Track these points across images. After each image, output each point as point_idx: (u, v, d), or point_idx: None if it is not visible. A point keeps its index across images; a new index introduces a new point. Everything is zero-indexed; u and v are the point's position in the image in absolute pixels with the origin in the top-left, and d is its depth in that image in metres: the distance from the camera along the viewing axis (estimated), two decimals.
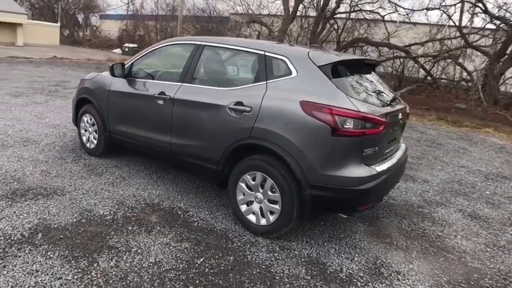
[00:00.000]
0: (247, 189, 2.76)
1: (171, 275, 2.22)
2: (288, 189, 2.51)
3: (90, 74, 4.31)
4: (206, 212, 3.11)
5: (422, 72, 14.22)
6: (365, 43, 14.86)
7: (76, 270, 2.19)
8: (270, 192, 2.63)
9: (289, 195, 2.52)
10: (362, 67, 3.11)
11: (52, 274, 2.13)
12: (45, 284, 2.05)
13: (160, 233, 2.70)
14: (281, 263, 2.44)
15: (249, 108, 2.66)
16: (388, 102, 2.89)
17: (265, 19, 18.11)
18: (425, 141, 6.81)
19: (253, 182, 2.71)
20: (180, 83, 3.16)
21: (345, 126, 2.34)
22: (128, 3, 37.38)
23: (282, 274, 2.32)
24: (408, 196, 3.95)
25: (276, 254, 2.55)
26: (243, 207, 2.81)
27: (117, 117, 3.74)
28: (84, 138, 4.28)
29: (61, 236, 2.54)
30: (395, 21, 15.65)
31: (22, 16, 29.84)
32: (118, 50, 29.93)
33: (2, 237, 2.45)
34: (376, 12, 15.01)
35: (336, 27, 15.81)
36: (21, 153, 4.07)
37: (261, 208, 2.72)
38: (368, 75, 3.06)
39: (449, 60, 13.55)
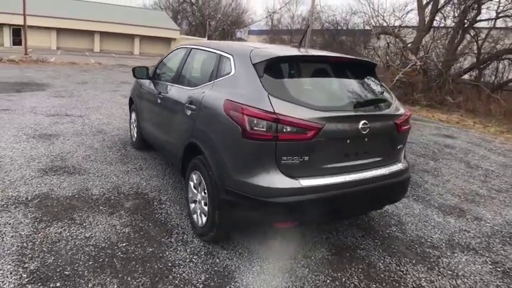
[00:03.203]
0: (193, 188, 2.88)
1: (87, 249, 2.57)
2: (211, 191, 2.52)
3: None
4: (177, 208, 3.35)
5: None
6: None
7: (32, 230, 2.78)
8: (203, 193, 2.69)
9: (211, 198, 2.52)
10: (349, 68, 2.81)
11: (13, 228, 2.78)
12: (3, 233, 2.69)
13: (118, 216, 3.10)
14: (189, 266, 2.46)
15: (194, 107, 2.80)
16: (354, 109, 2.52)
17: (398, 30, 17.03)
18: None
19: (196, 182, 2.81)
20: (171, 83, 3.53)
21: (255, 128, 2.20)
22: (267, 17, 40.86)
23: (177, 275, 2.36)
24: (435, 236, 3.22)
25: (195, 258, 2.57)
26: (192, 206, 2.93)
27: (140, 114, 4.42)
28: (131, 133, 5.16)
29: (48, 204, 3.23)
30: None
31: (176, 32, 36.58)
32: None
33: (15, 198, 3.29)
34: None
35: (477, 38, 13.64)
36: (85, 140, 5.21)
37: (200, 209, 2.79)
38: (349, 78, 2.74)
39: None
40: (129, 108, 5.32)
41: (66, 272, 2.31)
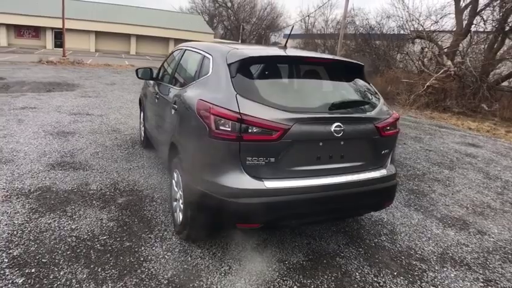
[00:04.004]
0: (175, 187, 2.97)
1: (70, 239, 2.73)
2: (184, 190, 2.59)
3: None
4: (167, 206, 3.45)
5: None
6: None
7: (25, 219, 2.99)
8: (180, 192, 2.76)
9: (184, 196, 2.59)
10: (331, 69, 2.78)
11: (9, 216, 3.00)
12: None
13: (108, 211, 3.25)
14: (160, 262, 2.54)
15: (176, 107, 2.89)
16: (329, 111, 2.48)
17: (434, 35, 16.41)
18: None
19: (176, 180, 2.90)
20: (167, 84, 3.66)
21: (221, 128, 2.24)
22: (300, 21, 40.87)
23: (146, 270, 2.44)
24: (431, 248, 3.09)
25: (168, 254, 2.65)
26: (173, 204, 3.02)
27: (145, 114, 4.62)
28: (140, 132, 5.38)
29: (47, 196, 3.45)
30: None
31: (210, 36, 37.43)
32: None
33: (19, 190, 3.54)
34: None
35: None
36: (98, 138, 5.49)
37: (179, 207, 2.87)
38: (329, 79, 2.71)
39: None
40: (139, 108, 5.56)
41: (43, 260, 2.46)
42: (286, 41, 3.17)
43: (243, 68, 2.44)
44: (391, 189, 2.84)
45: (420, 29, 15.71)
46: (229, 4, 52.40)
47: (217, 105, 2.29)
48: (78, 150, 4.88)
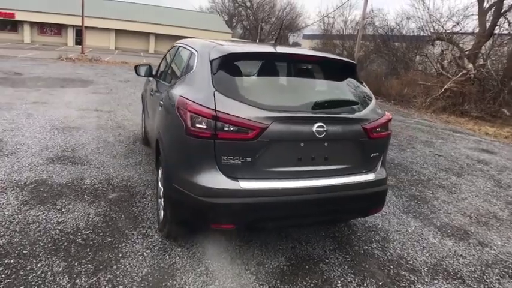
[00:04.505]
0: (160, 184, 2.96)
1: (53, 232, 2.75)
2: (164, 188, 2.57)
3: None
4: (156, 203, 3.46)
5: None
6: None
7: (16, 211, 3.04)
8: (163, 189, 2.75)
9: (164, 194, 2.57)
10: (319, 67, 2.70)
11: (1, 208, 3.06)
12: None
13: (96, 206, 3.27)
14: (137, 259, 2.53)
15: (162, 103, 2.88)
16: (312, 111, 2.40)
17: (456, 37, 15.93)
18: None
19: (160, 178, 2.89)
20: (162, 81, 3.66)
21: (197, 125, 2.20)
22: (318, 21, 40.57)
23: (121, 266, 2.43)
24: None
25: (147, 252, 2.64)
26: (159, 200, 3.00)
27: (144, 110, 4.63)
28: (142, 129, 5.42)
29: (41, 189, 3.50)
30: None
31: (227, 35, 37.63)
32: None
33: (15, 182, 3.62)
34: None
35: None
36: (102, 134, 5.57)
37: (162, 204, 2.85)
38: (316, 78, 2.64)
39: None
40: (142, 105, 5.60)
41: (24, 251, 2.50)
42: (277, 38, 3.11)
43: (224, 64, 2.39)
44: (380, 194, 2.74)
45: (441, 31, 15.29)
46: (248, 4, 52.51)
47: (195, 102, 2.25)
48: (80, 145, 4.96)
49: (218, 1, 54.69)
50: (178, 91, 2.58)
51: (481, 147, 7.40)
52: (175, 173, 2.39)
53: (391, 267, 2.82)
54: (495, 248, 3.32)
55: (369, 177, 2.63)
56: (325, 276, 2.59)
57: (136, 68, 4.29)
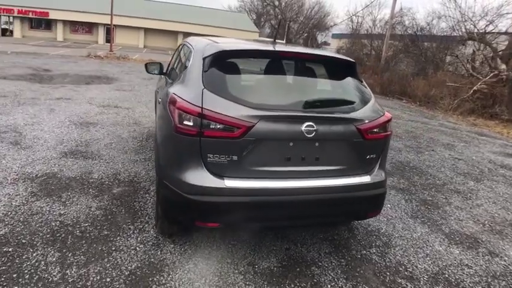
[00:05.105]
0: None
1: (54, 224, 2.85)
2: (156, 183, 2.60)
3: None
4: None
5: None
6: None
7: (23, 202, 3.16)
8: (156, 185, 2.77)
9: (156, 189, 2.60)
10: (316, 66, 2.64)
11: (10, 198, 3.20)
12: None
13: (99, 200, 3.36)
14: (129, 253, 2.57)
15: (160, 101, 2.90)
16: (303, 109, 2.34)
17: (488, 37, 15.16)
18: None
19: None
20: (168, 78, 3.71)
21: (184, 123, 2.19)
22: (345, 20, 39.91)
23: (112, 259, 2.48)
24: None
25: (140, 246, 2.67)
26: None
27: (156, 108, 4.72)
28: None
29: (50, 182, 3.64)
30: None
31: (254, 34, 37.73)
32: None
33: (27, 174, 3.78)
34: None
35: None
36: (117, 130, 5.72)
37: None
38: (311, 77, 2.58)
39: None
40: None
41: (23, 240, 2.60)
42: (275, 36, 3.03)
43: (215, 62, 2.38)
44: (376, 198, 2.64)
45: (473, 30, 14.58)
46: (276, 3, 52.35)
47: (184, 100, 2.26)
48: (94, 140, 5.11)
49: (247, 0, 54.95)
50: (173, 88, 2.60)
51: (507, 152, 7.00)
52: (165, 170, 2.41)
53: (388, 273, 2.72)
54: (506, 258, 3.13)
55: (365, 179, 2.54)
56: (315, 280, 2.53)
57: (147, 66, 4.36)
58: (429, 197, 4.28)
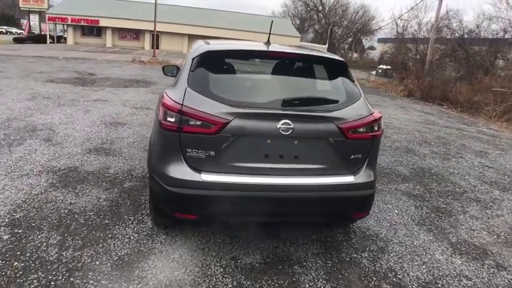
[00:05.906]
0: None
1: (63, 211, 3.13)
2: (149, 176, 2.76)
3: None
4: None
5: None
6: None
7: (42, 191, 3.50)
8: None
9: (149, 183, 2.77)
10: (305, 65, 2.68)
11: (31, 187, 3.55)
12: (20, 189, 3.48)
13: (110, 192, 3.61)
14: (122, 241, 2.75)
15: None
16: (281, 107, 2.37)
17: None
18: None
19: None
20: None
21: (167, 119, 2.33)
22: (389, 24, 38.74)
23: (106, 245, 2.68)
24: None
25: (134, 235, 2.86)
26: None
27: None
28: None
29: (69, 175, 3.98)
30: None
31: (296, 39, 37.75)
32: (374, 72, 31.68)
33: (51, 168, 4.15)
34: None
35: None
36: (143, 130, 6.06)
37: None
38: (297, 76, 2.62)
39: None
40: None
41: (33, 224, 2.89)
42: (269, 37, 3.04)
43: (201, 62, 2.51)
44: (363, 199, 2.60)
45: None
46: (320, 8, 51.96)
47: (169, 98, 2.41)
48: (120, 139, 5.46)
49: (290, 5, 55.12)
50: (167, 89, 2.77)
51: None
52: (153, 163, 2.58)
53: (374, 278, 2.66)
54: None
55: (348, 179, 2.52)
56: (294, 279, 2.54)
57: (164, 68, 4.60)
58: (443, 205, 4.08)
